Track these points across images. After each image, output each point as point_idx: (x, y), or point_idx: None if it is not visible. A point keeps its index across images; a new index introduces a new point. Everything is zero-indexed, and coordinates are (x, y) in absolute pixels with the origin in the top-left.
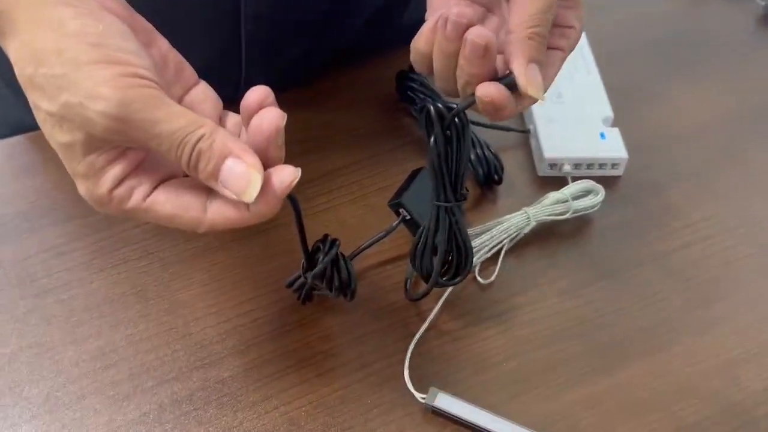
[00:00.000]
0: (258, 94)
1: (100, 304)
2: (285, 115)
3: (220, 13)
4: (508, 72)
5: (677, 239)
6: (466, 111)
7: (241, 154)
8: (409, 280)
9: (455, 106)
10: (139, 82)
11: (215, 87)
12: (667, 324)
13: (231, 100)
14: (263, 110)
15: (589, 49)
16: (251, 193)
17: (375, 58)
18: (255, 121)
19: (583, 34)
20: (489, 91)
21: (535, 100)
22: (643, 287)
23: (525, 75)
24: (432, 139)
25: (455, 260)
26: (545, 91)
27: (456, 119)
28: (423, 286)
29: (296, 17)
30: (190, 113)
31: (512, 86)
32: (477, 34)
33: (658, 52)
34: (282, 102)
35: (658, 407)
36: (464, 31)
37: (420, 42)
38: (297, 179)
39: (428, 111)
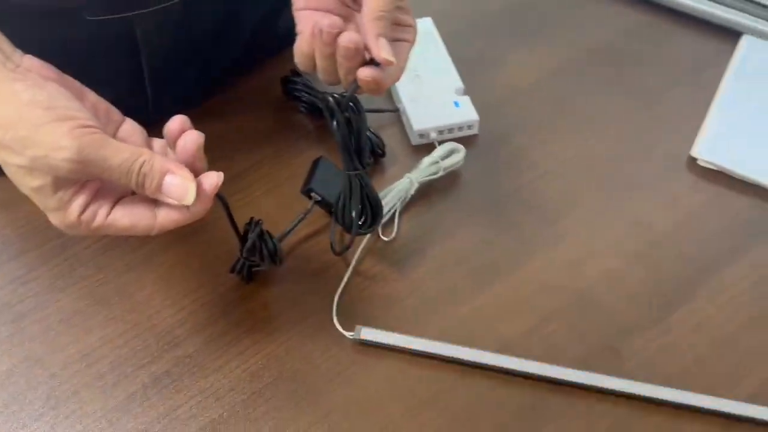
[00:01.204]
0: (178, 122)
1: (71, 316)
2: (203, 135)
3: (123, 54)
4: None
5: (526, 176)
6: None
7: (176, 170)
8: (333, 242)
9: (346, 94)
10: (88, 131)
11: (129, 116)
12: (526, 243)
13: (143, 125)
14: (185, 133)
15: (436, 30)
16: (189, 198)
17: (259, 67)
18: (180, 143)
19: (430, 19)
20: (367, 72)
21: (390, 63)
22: (505, 218)
23: (378, 45)
24: (335, 123)
25: (370, 213)
26: (401, 74)
27: (350, 103)
28: (346, 243)
29: (189, 47)
30: (130, 146)
31: (376, 65)
32: (348, 39)
33: (493, 24)
34: (189, 118)
35: (527, 306)
36: (336, 37)
37: (303, 47)
38: (221, 180)
39: (328, 102)
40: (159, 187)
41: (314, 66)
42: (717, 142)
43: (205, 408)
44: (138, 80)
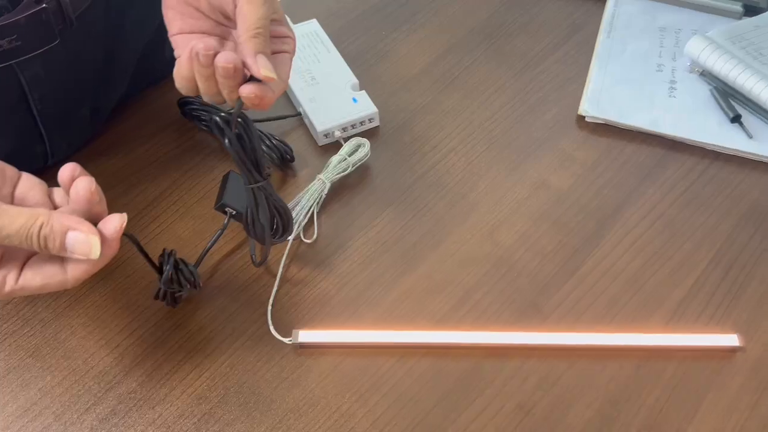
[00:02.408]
0: (68, 170)
1: (5, 374)
2: (93, 179)
3: (12, 104)
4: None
5: (431, 158)
6: (246, 111)
7: (77, 226)
8: (252, 254)
9: (233, 111)
10: None
11: (28, 164)
12: (440, 222)
13: (44, 170)
14: (76, 181)
15: (323, 31)
16: (95, 252)
17: (152, 94)
18: (72, 192)
19: (315, 21)
20: (249, 89)
21: (271, 79)
22: (417, 202)
23: (257, 63)
24: (227, 141)
25: (281, 222)
26: (286, 85)
27: (238, 119)
28: (264, 254)
29: (77, 87)
30: (25, 210)
31: (258, 80)
32: (225, 59)
33: (376, 17)
34: (89, 155)
35: (451, 281)
36: (213, 58)
37: (182, 71)
38: (125, 223)
39: (216, 121)
40: (62, 246)
41: (196, 88)
42: (600, 98)
43: None
44: (32, 128)
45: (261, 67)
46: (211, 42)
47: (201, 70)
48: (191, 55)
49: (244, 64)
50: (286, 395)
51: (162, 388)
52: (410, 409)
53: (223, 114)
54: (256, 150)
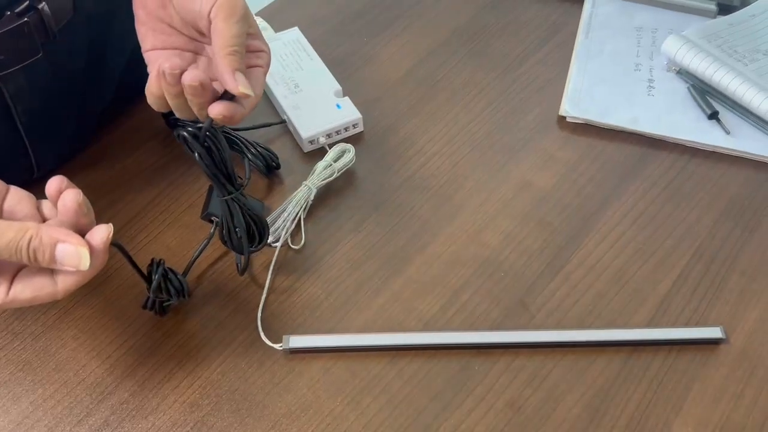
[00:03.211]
0: (55, 183)
1: None
2: (80, 191)
3: None
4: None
5: (416, 162)
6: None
7: (66, 238)
8: (238, 263)
9: (202, 126)
10: None
11: (14, 177)
12: (427, 224)
13: (30, 183)
14: (63, 194)
15: (304, 38)
16: (85, 263)
17: (137, 105)
18: (60, 204)
19: (297, 28)
20: (218, 109)
21: (248, 96)
22: (403, 206)
23: (233, 81)
24: (197, 156)
25: (256, 231)
26: (258, 99)
27: (206, 133)
28: (244, 263)
29: (61, 99)
30: (14, 224)
31: (231, 96)
32: (191, 77)
33: (358, 23)
34: (75, 167)
35: (439, 282)
36: (180, 77)
37: (152, 89)
38: (111, 233)
39: (184, 137)
40: (52, 258)
41: (167, 105)
42: (580, 98)
43: None
44: (16, 141)
45: (239, 84)
46: (176, 60)
47: (169, 89)
48: (158, 73)
49: (221, 81)
50: (279, 400)
51: (154, 398)
52: (402, 410)
53: (190, 129)
54: (226, 162)
